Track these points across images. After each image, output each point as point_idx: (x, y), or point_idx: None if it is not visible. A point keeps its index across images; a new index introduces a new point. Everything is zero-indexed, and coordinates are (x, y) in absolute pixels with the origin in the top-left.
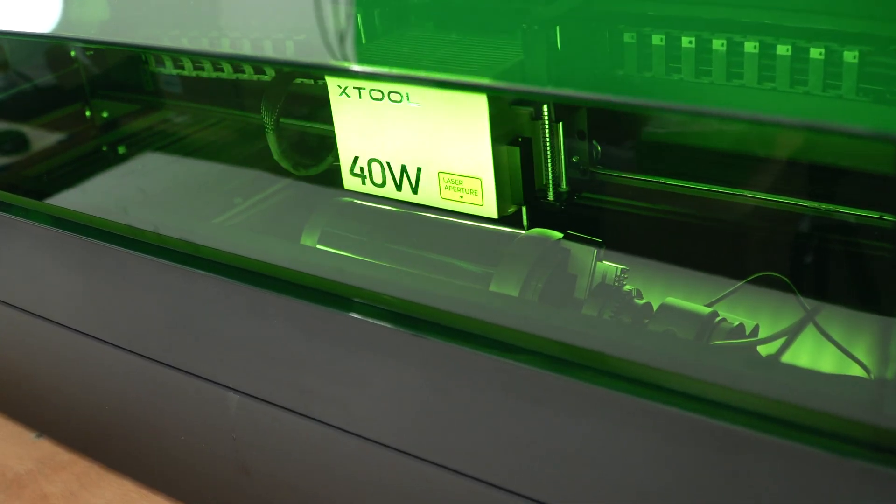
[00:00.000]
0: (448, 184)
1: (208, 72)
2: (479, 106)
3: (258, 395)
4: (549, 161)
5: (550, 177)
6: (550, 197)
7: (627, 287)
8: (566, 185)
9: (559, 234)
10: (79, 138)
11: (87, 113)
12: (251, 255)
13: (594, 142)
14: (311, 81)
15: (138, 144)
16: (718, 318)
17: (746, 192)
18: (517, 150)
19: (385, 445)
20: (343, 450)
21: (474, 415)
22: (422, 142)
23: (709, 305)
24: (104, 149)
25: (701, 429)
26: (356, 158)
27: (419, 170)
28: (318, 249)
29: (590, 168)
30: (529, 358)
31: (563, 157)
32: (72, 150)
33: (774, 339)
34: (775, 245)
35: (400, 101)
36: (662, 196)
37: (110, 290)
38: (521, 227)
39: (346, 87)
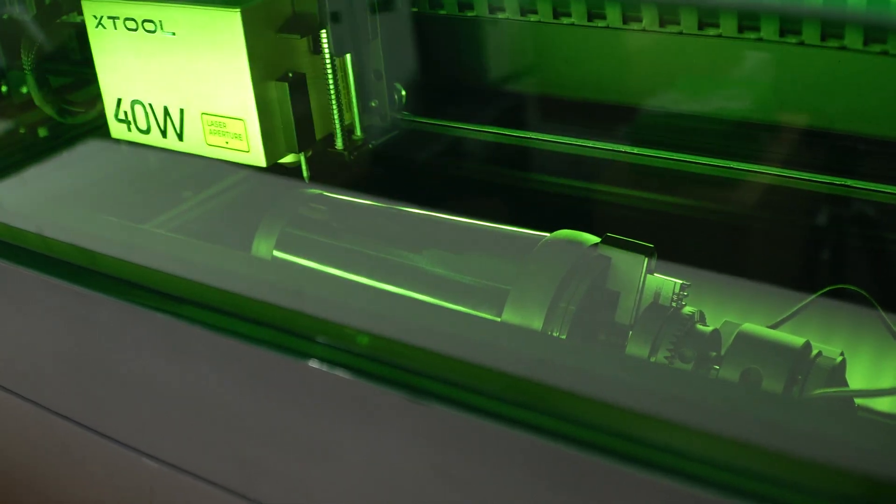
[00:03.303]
0: (212, 127)
1: None
2: (233, 29)
3: (182, 466)
4: (334, 103)
5: (337, 121)
6: (339, 145)
7: (689, 309)
8: (361, 132)
9: (593, 238)
10: None
11: (3, 88)
12: (174, 272)
13: (397, 84)
14: (76, 19)
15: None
16: (814, 353)
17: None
18: (285, 85)
19: None
20: None
21: None
22: (181, 78)
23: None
24: (22, 131)
25: None
26: (119, 101)
27: (182, 112)
28: (271, 262)
29: (392, 114)
30: (559, 427)
31: (354, 98)
32: None
33: None
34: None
35: (154, 31)
36: (485, 149)
37: None
38: (302, 179)
39: (101, 17)
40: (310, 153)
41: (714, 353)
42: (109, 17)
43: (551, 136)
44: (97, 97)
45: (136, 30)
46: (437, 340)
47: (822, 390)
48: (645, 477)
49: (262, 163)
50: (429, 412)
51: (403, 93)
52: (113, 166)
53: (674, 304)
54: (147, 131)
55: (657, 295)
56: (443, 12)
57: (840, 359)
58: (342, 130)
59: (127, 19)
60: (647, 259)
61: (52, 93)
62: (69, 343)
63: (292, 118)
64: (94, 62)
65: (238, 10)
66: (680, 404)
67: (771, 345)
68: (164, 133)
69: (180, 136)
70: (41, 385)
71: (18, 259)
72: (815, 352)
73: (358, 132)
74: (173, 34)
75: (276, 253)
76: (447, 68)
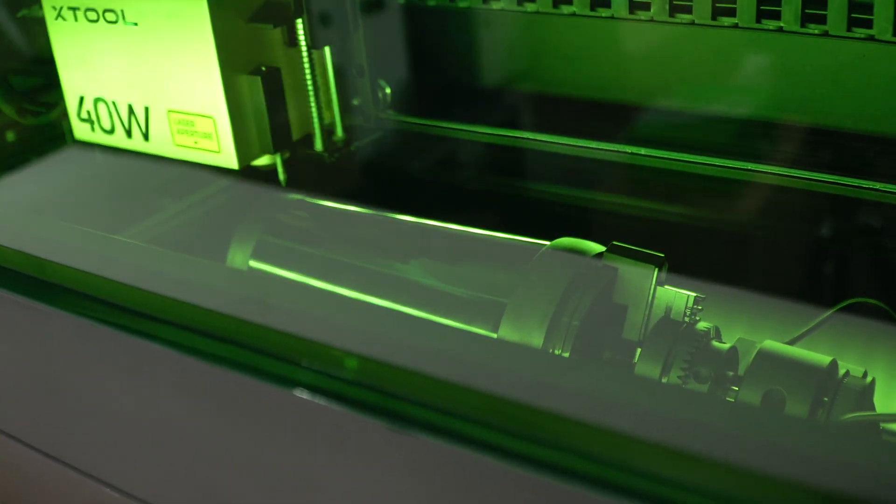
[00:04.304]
0: (180, 126)
1: None
2: (200, 17)
3: (145, 498)
4: (312, 100)
5: (316, 120)
6: (318, 146)
7: (703, 325)
8: (342, 132)
9: (597, 247)
10: None
11: None
12: (135, 283)
13: (381, 81)
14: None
15: None
16: (842, 373)
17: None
18: (258, 80)
19: None
20: None
21: None
22: (145, 73)
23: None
24: None
25: None
26: (81, 99)
27: (147, 110)
28: (245, 274)
29: (376, 113)
30: (561, 460)
31: (334, 95)
32: None
33: None
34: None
35: (116, 21)
36: (477, 151)
37: None
38: (278, 183)
39: (60, 8)
40: (287, 155)
41: (731, 373)
42: (70, 8)
43: (552, 136)
44: (60, 96)
45: (97, 21)
46: (423, 360)
47: (855, 414)
48: None
49: (234, 164)
50: (414, 443)
51: (388, 90)
52: (74, 171)
53: (687, 319)
54: (111, 131)
55: (668, 309)
56: (432, 3)
57: (870, 379)
58: (321, 130)
59: (88, 10)
60: (657, 269)
61: (12, 92)
62: (18, 361)
63: (266, 116)
64: (54, 58)
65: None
66: (697, 431)
67: (795, 364)
68: (128, 133)
69: (146, 136)
70: None
71: None
72: (842, 371)
73: (339, 132)
74: (136, 24)
75: (253, 263)
76: (437, 64)
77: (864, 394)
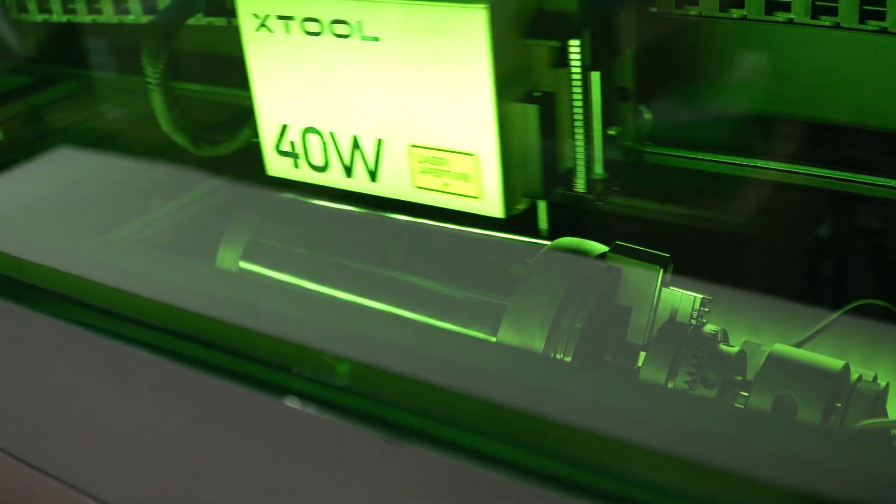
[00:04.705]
0: (425, 165)
1: (82, 15)
2: (474, 31)
3: None
4: (581, 132)
5: (582, 155)
6: (580, 186)
7: (710, 328)
8: (602, 168)
9: (600, 247)
10: None
11: None
12: (118, 285)
13: (641, 107)
14: (219, 21)
15: None
16: (855, 378)
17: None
18: (535, 109)
19: None
20: None
21: None
22: (385, 100)
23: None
24: None
25: None
26: (284, 128)
27: (380, 143)
28: (234, 275)
29: (635, 146)
30: (563, 472)
31: (599, 125)
32: None
33: None
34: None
35: (349, 36)
36: (741, 186)
37: None
38: (538, 233)
39: (265, 17)
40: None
41: (740, 378)
42: (280, 18)
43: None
44: (246, 123)
45: (319, 33)
46: (418, 365)
47: (871, 420)
48: None
49: (499, 212)
50: (409, 456)
51: (649, 116)
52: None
53: (693, 322)
54: (323, 168)
55: (674, 311)
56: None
57: (884, 384)
58: (585, 168)
59: (307, 20)
60: (662, 270)
61: (185, 116)
62: None
63: (539, 153)
64: (248, 78)
65: (485, 4)
66: (704, 439)
67: (807, 368)
68: (348, 171)
69: (373, 176)
70: None
71: None
72: (855, 376)
73: (599, 169)
74: (377, 39)
75: (243, 264)
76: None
77: (878, 399)
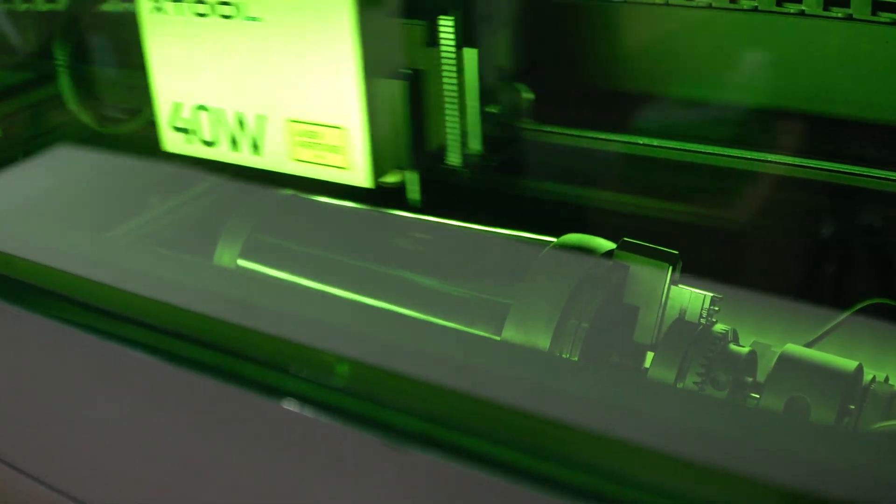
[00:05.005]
0: (301, 138)
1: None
2: (340, 10)
3: None
4: (455, 107)
5: (455, 130)
6: (453, 159)
7: (720, 327)
8: (479, 144)
9: (607, 244)
10: None
11: None
12: (113, 283)
13: (518, 85)
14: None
15: None
16: (868, 379)
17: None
18: (404, 85)
19: None
20: None
21: None
22: (264, 78)
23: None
24: None
25: None
26: (178, 106)
27: (261, 119)
28: (232, 273)
29: (512, 122)
30: (568, 477)
31: (476, 102)
32: None
33: None
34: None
35: (234, 17)
36: (625, 163)
37: None
38: (405, 204)
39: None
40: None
41: (751, 379)
42: (172, 0)
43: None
44: (144, 102)
45: (206, 15)
46: (421, 365)
47: (887, 423)
48: None
49: (366, 182)
50: (411, 462)
51: (527, 96)
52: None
53: (703, 321)
54: (213, 143)
55: (683, 310)
56: None
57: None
58: (459, 142)
59: (197, 1)
60: (670, 268)
61: (91, 96)
62: None
63: (408, 127)
64: (145, 58)
65: None
66: (715, 442)
67: (819, 369)
68: (235, 145)
69: (257, 149)
70: None
71: None
72: (868, 377)
73: (477, 144)
74: (258, 20)
75: (241, 262)
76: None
77: (893, 401)
